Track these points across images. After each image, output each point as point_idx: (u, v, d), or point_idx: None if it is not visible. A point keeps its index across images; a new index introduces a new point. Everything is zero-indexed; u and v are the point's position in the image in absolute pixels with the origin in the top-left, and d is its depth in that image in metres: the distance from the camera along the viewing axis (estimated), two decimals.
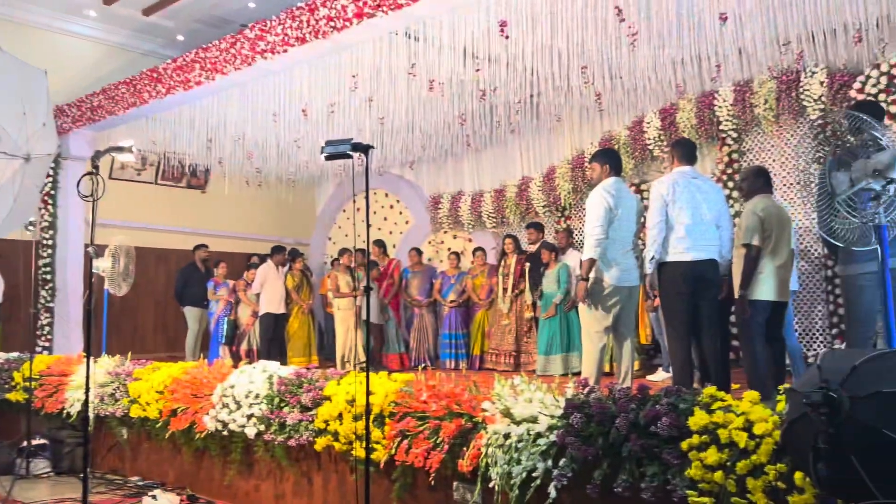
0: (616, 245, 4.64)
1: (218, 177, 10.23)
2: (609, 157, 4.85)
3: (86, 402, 4.30)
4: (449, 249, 9.78)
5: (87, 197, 4.13)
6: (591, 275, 4.65)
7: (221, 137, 8.51)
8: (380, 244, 9.30)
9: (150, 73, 8.04)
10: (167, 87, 7.82)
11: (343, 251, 9.15)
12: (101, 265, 7.35)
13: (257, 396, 4.93)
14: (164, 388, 5.64)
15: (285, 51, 6.61)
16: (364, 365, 8.20)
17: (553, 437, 3.38)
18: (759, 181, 4.73)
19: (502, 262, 8.23)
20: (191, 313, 9.23)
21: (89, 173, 4.14)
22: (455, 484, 3.82)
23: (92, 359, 4.27)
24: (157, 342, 10.35)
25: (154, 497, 5.05)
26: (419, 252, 9.19)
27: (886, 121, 6.06)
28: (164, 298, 9.98)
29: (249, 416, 4.90)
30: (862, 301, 3.94)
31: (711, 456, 2.89)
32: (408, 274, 9.02)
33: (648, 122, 7.90)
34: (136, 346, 8.27)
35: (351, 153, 3.63)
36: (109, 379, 6.24)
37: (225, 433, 5.05)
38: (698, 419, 3.00)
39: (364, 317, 8.57)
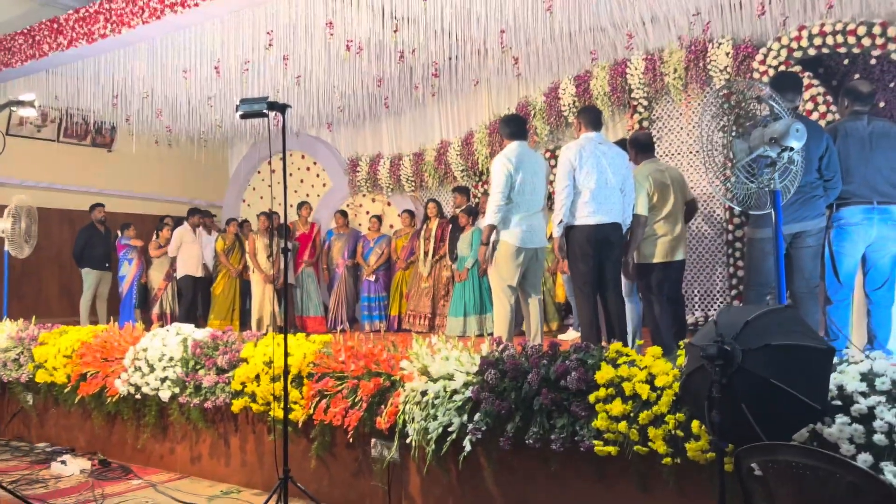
0: (521, 208, 4.80)
1: (125, 135, 9.81)
2: (508, 124, 5.03)
3: None
4: (368, 213, 9.76)
5: None
6: (495, 237, 4.81)
7: (128, 94, 8.18)
8: (307, 205, 9.22)
9: (49, 23, 7.59)
10: (69, 40, 7.41)
11: (259, 214, 9.02)
12: (1, 226, 7.00)
13: (171, 359, 4.86)
14: (73, 352, 5.46)
15: (196, 4, 6.36)
16: (280, 326, 8.23)
17: (468, 393, 3.49)
18: (641, 147, 5.08)
19: (424, 226, 8.33)
20: (89, 275, 8.93)
21: None
22: (373, 441, 3.89)
23: None
24: (61, 306, 9.92)
25: (63, 462, 4.93)
26: (344, 214, 9.18)
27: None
28: (69, 261, 9.55)
29: (163, 380, 4.82)
30: (764, 264, 4.17)
31: (616, 407, 3.05)
32: (331, 236, 9.00)
33: (563, 89, 8.03)
34: (39, 311, 7.91)
35: (267, 112, 3.58)
36: (12, 343, 6.00)
37: (138, 397, 4.96)
38: (605, 373, 3.16)
39: (282, 278, 8.61)
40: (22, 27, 7.97)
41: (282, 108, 3.59)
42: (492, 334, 4.46)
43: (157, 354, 4.93)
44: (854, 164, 4.24)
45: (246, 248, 8.71)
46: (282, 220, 8.45)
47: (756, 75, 6.54)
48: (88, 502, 4.33)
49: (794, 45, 6.46)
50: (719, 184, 3.58)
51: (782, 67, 6.46)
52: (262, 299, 8.40)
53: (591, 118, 4.82)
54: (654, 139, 7.45)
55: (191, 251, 8.79)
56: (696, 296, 7.35)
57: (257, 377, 4.39)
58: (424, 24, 6.41)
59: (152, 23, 6.74)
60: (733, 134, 3.50)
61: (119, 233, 9.19)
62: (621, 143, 5.20)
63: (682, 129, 7.50)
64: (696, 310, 7.28)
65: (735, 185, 3.49)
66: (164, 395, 4.79)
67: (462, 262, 7.54)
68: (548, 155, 8.06)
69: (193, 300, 8.85)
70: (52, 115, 9.56)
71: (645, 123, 7.59)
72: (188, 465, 4.87)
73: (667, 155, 7.51)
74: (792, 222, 4.06)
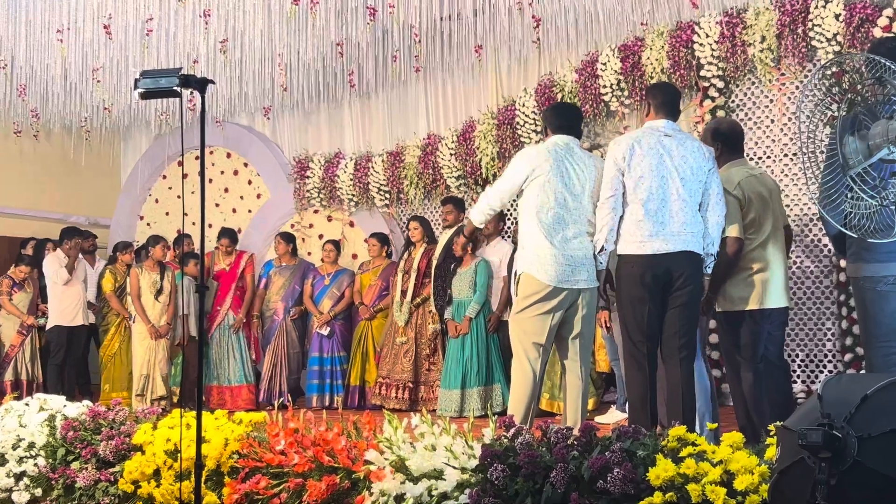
0: (558, 226, 4.83)
1: None
2: (558, 115, 5.22)
3: None
4: (321, 237, 9.76)
5: None
6: (517, 268, 4.87)
7: None
8: (230, 234, 9.23)
9: None
10: None
11: (155, 239, 8.93)
12: None
13: (32, 446, 4.84)
14: None
15: None
16: (166, 401, 8.19)
17: (465, 499, 3.47)
18: (727, 143, 5.05)
19: (405, 255, 8.31)
20: None
21: None
22: None
23: None
24: None
25: None
26: (290, 240, 9.17)
27: None
28: None
29: (18, 476, 4.80)
30: (883, 312, 4.18)
31: None
32: (269, 269, 9.00)
33: (604, 64, 8.11)
34: None
35: (179, 90, 3.61)
36: None
37: None
38: (661, 470, 3.15)
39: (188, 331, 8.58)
40: None
41: (200, 84, 3.62)
42: (501, 413, 4.46)
43: (10, 440, 4.90)
44: None
45: (120, 286, 8.72)
46: (197, 247, 8.46)
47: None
48: None
49: None
50: (833, 201, 3.61)
51: None
52: (146, 362, 8.37)
53: (665, 99, 4.84)
54: None
55: (66, 291, 8.77)
56: (795, 360, 7.37)
57: (157, 473, 4.37)
58: None
59: None
60: (846, 129, 3.55)
61: None
62: (726, 134, 5.16)
63: (772, 121, 7.58)
64: (796, 381, 7.29)
65: (849, 202, 3.53)
66: (21, 498, 4.75)
67: (461, 308, 7.55)
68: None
69: (66, 361, 8.81)
70: None
71: (720, 112, 7.66)
72: None
73: (751, 159, 7.55)
74: None
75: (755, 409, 4.81)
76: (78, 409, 5.00)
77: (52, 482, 4.68)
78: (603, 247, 4.67)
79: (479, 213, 5.19)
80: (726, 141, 5.09)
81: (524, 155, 5.08)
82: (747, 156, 7.52)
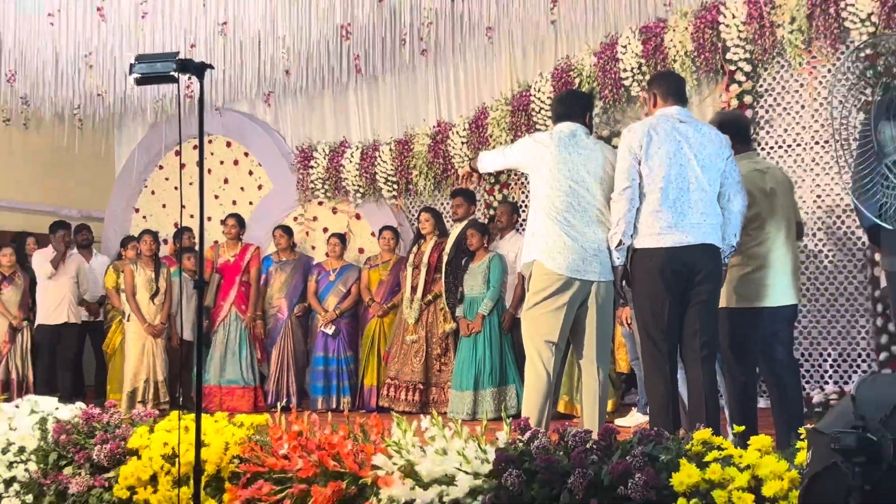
0: (566, 215, 4.83)
1: None
2: (562, 103, 5.35)
3: None
4: (326, 230, 9.78)
5: None
6: (527, 257, 4.93)
7: None
8: (237, 217, 9.29)
9: None
10: None
11: (144, 233, 8.97)
12: None
13: (22, 451, 4.86)
14: None
15: None
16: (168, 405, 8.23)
17: None
18: (734, 136, 5.06)
19: (414, 249, 8.31)
20: None
21: None
22: None
23: None
24: None
25: None
26: (288, 233, 9.20)
27: None
28: None
29: (8, 482, 4.82)
30: None
31: None
32: (269, 265, 9.01)
33: (625, 46, 8.10)
34: None
35: (176, 75, 3.61)
36: None
37: None
38: (686, 476, 3.15)
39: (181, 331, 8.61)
40: None
41: (199, 69, 3.63)
42: (516, 416, 4.46)
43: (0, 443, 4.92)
44: None
45: (120, 284, 8.75)
46: (196, 240, 8.48)
47: None
48: None
49: None
50: (867, 190, 3.61)
51: None
52: (140, 361, 8.39)
53: (673, 87, 4.87)
54: (762, 123, 7.53)
55: (51, 288, 8.83)
56: (827, 360, 7.35)
57: (153, 479, 4.38)
58: None
59: None
60: (882, 115, 3.54)
61: None
62: (733, 122, 5.23)
63: (802, 107, 7.56)
64: (828, 381, 7.28)
65: (884, 192, 3.53)
66: None
67: (474, 305, 7.56)
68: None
69: (53, 361, 8.84)
70: None
71: (747, 98, 7.65)
72: None
73: (779, 146, 7.58)
74: None
75: (735, 409, 4.97)
76: (71, 412, 5.01)
77: (44, 488, 4.69)
78: (621, 241, 4.64)
79: (485, 164, 5.47)
80: (733, 135, 5.08)
81: (528, 142, 5.19)
82: (777, 144, 7.57)
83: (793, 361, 5.25)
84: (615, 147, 4.93)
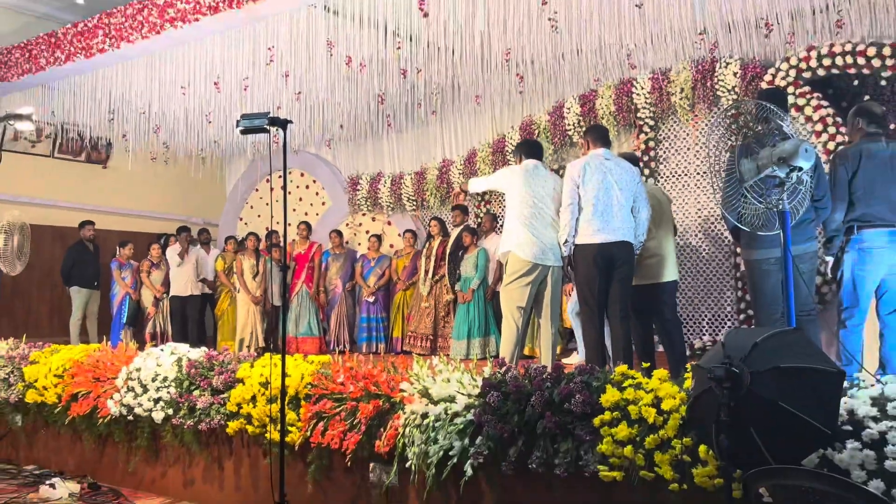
0: (531, 220, 4.94)
1: (120, 151, 9.87)
2: (522, 147, 5.36)
3: None
4: (368, 232, 9.79)
5: None
6: (504, 249, 4.97)
7: (125, 109, 8.24)
8: (307, 223, 9.27)
9: (47, 37, 7.68)
10: (66, 54, 7.50)
11: (249, 234, 9.09)
12: None
13: (165, 379, 4.88)
14: (64, 371, 5.47)
15: (197, 20, 6.45)
16: (263, 348, 8.28)
17: (470, 416, 3.50)
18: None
19: (426, 245, 8.36)
20: (77, 294, 9.00)
21: None
22: (371, 465, 3.88)
23: None
24: (51, 326, 9.93)
25: (52, 486, 4.91)
26: (340, 234, 9.19)
27: (794, 112, 6.44)
28: (60, 280, 9.60)
29: (157, 401, 4.83)
30: (766, 285, 4.19)
31: (622, 431, 3.06)
32: (328, 256, 9.02)
33: (568, 108, 8.09)
34: (29, 330, 7.93)
35: (268, 128, 3.61)
36: (2, 362, 6.01)
37: (130, 418, 4.96)
38: (610, 396, 3.17)
39: (272, 299, 8.63)
40: (18, 41, 8.06)
41: (283, 123, 3.63)
42: (496, 357, 4.48)
43: (150, 374, 4.94)
44: (878, 186, 4.28)
45: (234, 268, 8.79)
46: (281, 239, 8.50)
47: None
48: None
49: (804, 65, 6.53)
50: (732, 205, 3.61)
51: (791, 88, 6.53)
52: (246, 321, 8.50)
53: (599, 135, 4.92)
54: (661, 160, 7.53)
55: (179, 271, 8.90)
56: (704, 319, 7.36)
57: (253, 398, 4.39)
58: (426, 41, 6.48)
59: (152, 38, 6.82)
60: (742, 154, 3.54)
61: (117, 250, 9.25)
62: (632, 158, 5.24)
63: (688, 149, 7.55)
64: (705, 334, 7.28)
65: (743, 206, 3.53)
66: (158, 416, 4.79)
67: (467, 282, 7.56)
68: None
69: (184, 320, 8.90)
70: (46, 131, 9.65)
71: (651, 143, 7.64)
72: (181, 489, 4.86)
73: (673, 175, 7.56)
74: (795, 244, 4.07)
75: (641, 351, 5.03)
76: (198, 353, 5.04)
77: (180, 404, 4.73)
78: (567, 240, 4.71)
79: (473, 187, 5.64)
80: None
81: (505, 171, 5.27)
82: (672, 174, 7.58)
83: (677, 319, 5.24)
84: (562, 176, 4.93)
